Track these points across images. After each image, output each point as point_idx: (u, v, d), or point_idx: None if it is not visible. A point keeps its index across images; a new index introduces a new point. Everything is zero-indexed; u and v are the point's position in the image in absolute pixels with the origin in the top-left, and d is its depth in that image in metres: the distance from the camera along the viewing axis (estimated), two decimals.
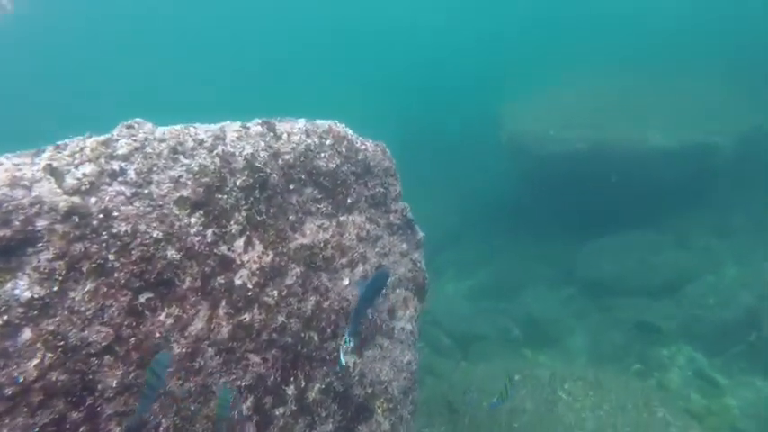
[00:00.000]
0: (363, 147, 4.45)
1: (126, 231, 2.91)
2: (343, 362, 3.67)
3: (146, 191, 3.05)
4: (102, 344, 2.75)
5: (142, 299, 2.98)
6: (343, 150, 4.26)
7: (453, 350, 9.40)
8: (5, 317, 2.52)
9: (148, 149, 3.12)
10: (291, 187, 3.86)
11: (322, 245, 3.99)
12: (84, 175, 2.84)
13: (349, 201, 4.28)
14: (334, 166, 4.14)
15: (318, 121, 4.27)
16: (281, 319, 3.60)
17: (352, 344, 4.10)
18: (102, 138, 3.05)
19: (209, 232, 3.31)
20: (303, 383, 3.74)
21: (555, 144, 11.87)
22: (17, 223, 2.57)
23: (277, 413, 3.55)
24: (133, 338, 2.88)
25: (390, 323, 4.49)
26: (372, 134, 4.81)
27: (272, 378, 3.53)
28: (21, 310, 2.55)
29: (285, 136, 3.89)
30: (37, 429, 2.51)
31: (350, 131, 4.43)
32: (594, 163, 11.70)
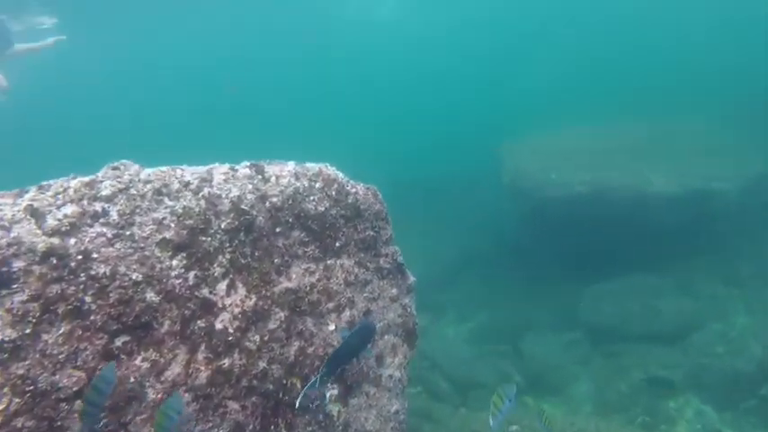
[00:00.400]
0: (354, 190, 4.48)
1: (105, 273, 2.92)
2: (298, 404, 3.58)
3: (128, 232, 3.08)
4: (74, 389, 2.72)
5: (118, 342, 2.96)
6: (333, 194, 4.29)
7: (452, 396, 9.22)
8: None
9: (133, 191, 3.16)
10: (278, 230, 3.88)
11: (308, 289, 3.97)
12: (66, 215, 2.88)
13: (337, 244, 4.28)
14: (323, 209, 4.17)
15: (309, 164, 4.32)
16: (262, 364, 3.56)
17: (336, 391, 4.03)
18: (86, 179, 3.10)
19: (191, 275, 3.32)
20: None
21: (555, 187, 11.93)
22: None
23: None
24: None
25: (378, 370, 4.42)
26: (369, 173, 4.85)
27: (251, 426, 3.46)
28: None
29: (273, 179, 3.93)
30: None
31: (341, 174, 4.47)
32: (595, 207, 11.72)
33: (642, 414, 8.52)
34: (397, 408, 4.49)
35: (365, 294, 4.43)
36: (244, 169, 3.83)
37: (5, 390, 2.54)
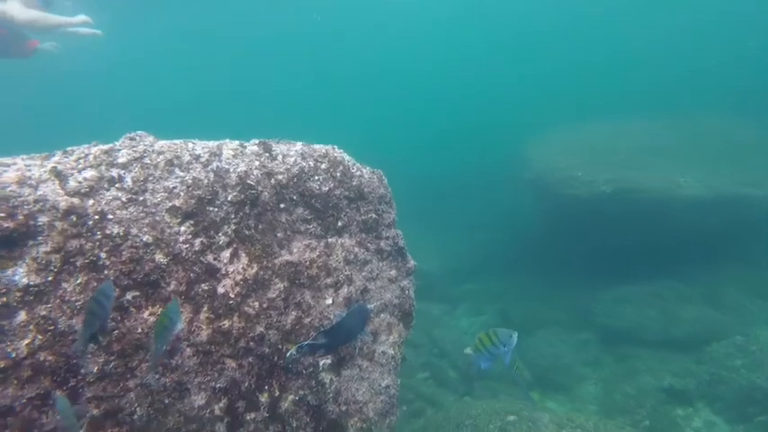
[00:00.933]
0: (359, 173, 4.85)
1: (118, 233, 3.36)
2: (285, 362, 3.97)
3: (140, 198, 3.51)
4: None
5: (129, 296, 3.39)
6: (338, 175, 4.66)
7: (458, 384, 9.58)
8: (4, 299, 2.97)
9: (147, 160, 3.59)
10: (282, 206, 4.27)
11: (308, 263, 4.36)
12: (85, 179, 3.31)
13: (339, 224, 4.66)
14: (326, 189, 4.54)
15: (316, 146, 4.70)
16: (259, 329, 3.96)
17: (329, 361, 4.42)
18: (105, 147, 3.53)
19: (198, 241, 3.73)
20: (277, 393, 4.07)
21: (580, 186, 12.07)
22: (21, 217, 3.04)
23: (248, 418, 3.88)
24: (116, 331, 3.29)
25: (372, 346, 4.79)
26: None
27: (246, 384, 3.87)
28: (18, 294, 3.00)
29: (280, 157, 4.32)
30: (24, 401, 2.92)
31: (347, 157, 4.85)
32: (620, 207, 11.82)
33: (647, 418, 8.71)
34: (388, 383, 4.86)
35: (364, 273, 4.80)
36: (252, 146, 4.23)
37: (31, 327, 2.99)
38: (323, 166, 4.57)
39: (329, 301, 4.46)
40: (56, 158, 3.39)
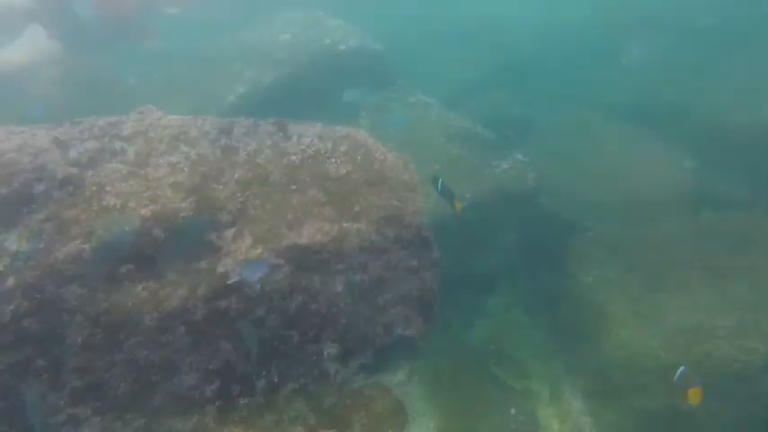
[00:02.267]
0: (382, 157, 4.64)
1: (115, 205, 3.34)
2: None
3: (142, 171, 3.47)
4: (75, 303, 3.17)
5: (123, 269, 3.38)
6: (358, 158, 4.48)
7: None
8: None
9: (151, 134, 3.55)
10: (293, 188, 4.14)
11: (318, 248, 4.21)
12: (87, 149, 3.32)
13: (356, 209, 4.47)
14: (344, 172, 4.37)
15: (338, 127, 4.53)
16: (259, 312, 3.87)
17: (335, 351, 4.26)
18: (113, 119, 3.53)
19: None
20: (275, 380, 3.97)
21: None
22: (16, 185, 3.07)
23: (242, 402, 3.81)
24: (106, 303, 3.29)
25: (384, 338, 4.59)
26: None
27: (241, 367, 3.80)
28: (7, 260, 3.03)
29: (295, 137, 4.19)
30: (3, 367, 2.96)
31: (371, 140, 4.65)
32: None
33: None
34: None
35: (380, 262, 4.59)
36: (267, 126, 4.12)
37: (18, 293, 3.03)
38: (342, 149, 4.40)
39: (339, 289, 4.30)
40: (62, 129, 3.42)
